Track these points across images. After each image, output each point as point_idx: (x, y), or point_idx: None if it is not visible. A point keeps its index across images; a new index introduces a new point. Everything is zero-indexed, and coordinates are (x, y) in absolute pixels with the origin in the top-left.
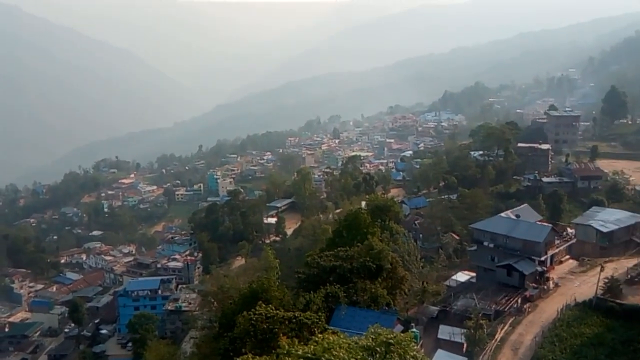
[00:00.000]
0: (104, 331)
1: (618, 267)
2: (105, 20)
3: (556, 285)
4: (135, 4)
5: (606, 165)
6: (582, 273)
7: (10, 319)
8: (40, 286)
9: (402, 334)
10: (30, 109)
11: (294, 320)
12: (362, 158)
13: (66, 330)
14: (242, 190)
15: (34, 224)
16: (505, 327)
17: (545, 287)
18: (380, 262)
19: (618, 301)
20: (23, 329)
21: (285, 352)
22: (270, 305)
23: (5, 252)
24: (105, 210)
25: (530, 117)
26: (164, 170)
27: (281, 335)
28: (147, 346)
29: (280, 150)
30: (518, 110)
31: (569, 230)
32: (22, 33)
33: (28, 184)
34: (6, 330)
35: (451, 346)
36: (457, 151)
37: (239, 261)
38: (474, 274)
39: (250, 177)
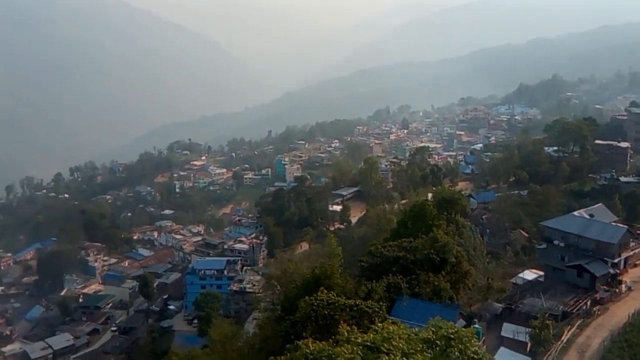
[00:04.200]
0: (171, 307)
1: None
2: (181, 5)
3: (629, 289)
4: None
5: None
6: None
7: (85, 290)
8: (113, 260)
9: (464, 329)
10: (112, 91)
11: (355, 308)
12: (430, 149)
13: (136, 304)
14: (309, 177)
15: (109, 201)
16: (573, 329)
17: (617, 290)
18: (445, 255)
19: None
20: (96, 301)
21: (344, 338)
22: (332, 292)
23: (82, 226)
24: (177, 190)
25: (609, 114)
26: (233, 154)
27: (341, 322)
28: (212, 324)
29: (348, 139)
30: (597, 106)
31: None
32: (104, 16)
33: (106, 162)
34: (80, 300)
35: (514, 345)
36: (530, 146)
37: (303, 247)
38: (541, 273)
39: (317, 164)
